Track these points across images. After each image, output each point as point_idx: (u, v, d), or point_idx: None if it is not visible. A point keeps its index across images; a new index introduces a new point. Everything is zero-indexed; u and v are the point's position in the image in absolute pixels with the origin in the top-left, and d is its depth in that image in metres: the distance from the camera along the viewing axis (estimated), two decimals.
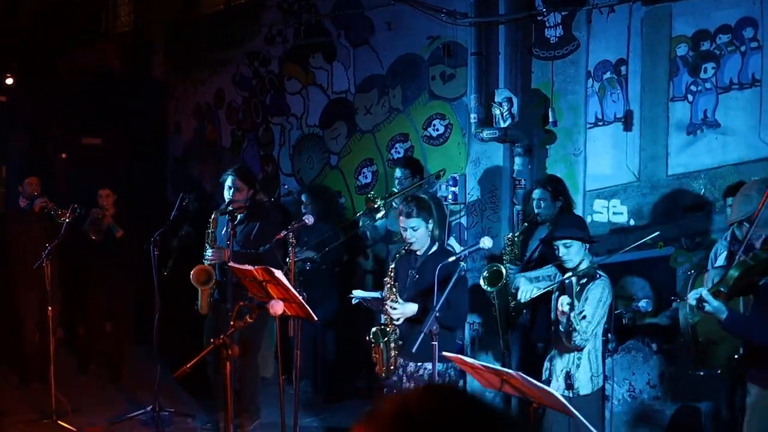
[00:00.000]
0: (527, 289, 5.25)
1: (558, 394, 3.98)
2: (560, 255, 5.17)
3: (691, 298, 4.41)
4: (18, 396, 8.33)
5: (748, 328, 4.53)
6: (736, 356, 5.27)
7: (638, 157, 6.94)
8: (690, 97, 6.64)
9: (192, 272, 6.83)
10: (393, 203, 7.18)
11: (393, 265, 5.40)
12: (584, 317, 4.86)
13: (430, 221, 5.37)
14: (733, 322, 4.41)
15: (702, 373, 5.60)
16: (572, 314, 4.84)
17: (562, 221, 5.48)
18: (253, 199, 7.16)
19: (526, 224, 6.88)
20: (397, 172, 7.62)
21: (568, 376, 5.09)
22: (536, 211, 6.76)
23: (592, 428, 4.18)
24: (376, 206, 6.95)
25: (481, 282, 6.49)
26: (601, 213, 7.16)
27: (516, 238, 6.79)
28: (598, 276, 5.04)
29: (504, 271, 6.46)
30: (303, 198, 8.40)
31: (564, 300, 4.92)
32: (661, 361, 6.75)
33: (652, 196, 6.87)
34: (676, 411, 6.56)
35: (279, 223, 7.31)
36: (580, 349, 5.02)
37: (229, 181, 6.91)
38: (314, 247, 8.10)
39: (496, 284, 6.43)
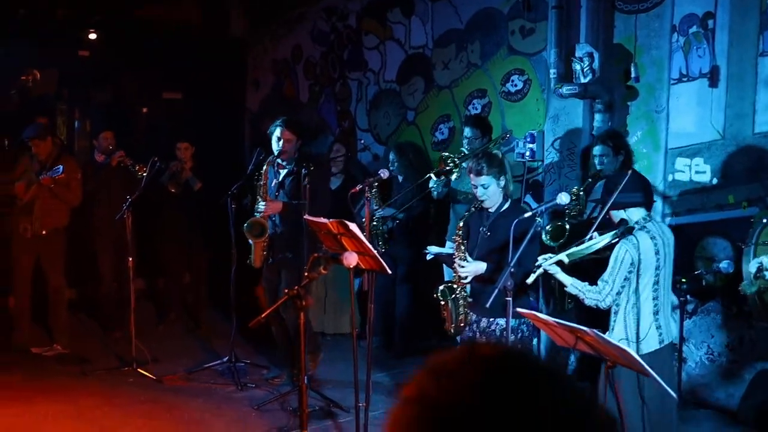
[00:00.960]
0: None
1: (633, 352, 3.90)
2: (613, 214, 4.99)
3: (752, 265, 4.23)
4: (99, 344, 8.57)
5: None
6: None
7: (723, 114, 6.72)
8: None
9: (246, 225, 6.90)
10: (464, 165, 7.10)
11: (462, 223, 5.35)
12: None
13: (502, 178, 5.29)
14: None
15: (765, 325, 5.43)
16: (536, 271, 4.68)
17: (607, 182, 5.15)
18: (301, 150, 7.12)
19: (589, 179, 6.74)
20: (466, 132, 7.49)
21: None
22: (598, 167, 6.64)
23: (668, 388, 4.11)
24: (448, 168, 6.88)
25: (544, 237, 6.41)
26: (683, 172, 6.97)
27: (581, 193, 6.66)
28: (626, 236, 4.76)
29: (567, 227, 6.38)
30: (390, 156, 8.36)
31: (541, 258, 4.74)
32: (741, 323, 6.58)
33: (737, 155, 6.66)
34: (755, 375, 6.40)
35: (328, 175, 7.38)
36: (603, 311, 4.84)
37: (278, 132, 6.89)
38: (398, 205, 8.07)
39: (559, 240, 6.36)
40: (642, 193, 4.94)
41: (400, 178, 7.14)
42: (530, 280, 4.77)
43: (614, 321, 4.83)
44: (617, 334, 4.79)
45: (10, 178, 8.27)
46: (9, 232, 8.37)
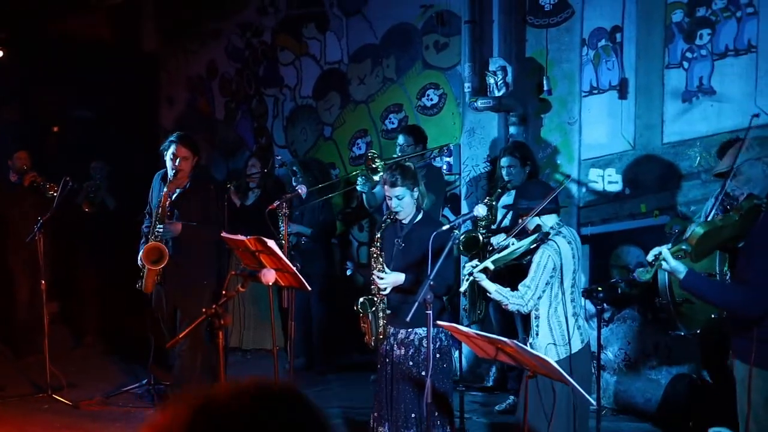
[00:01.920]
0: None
1: (553, 362, 3.94)
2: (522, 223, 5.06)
3: (650, 254, 4.34)
4: (12, 370, 8.31)
5: (708, 290, 4.40)
6: (713, 315, 5.21)
7: (633, 125, 6.89)
8: (685, 64, 6.58)
9: (143, 250, 6.51)
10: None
11: (379, 235, 5.36)
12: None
13: (416, 190, 5.31)
14: (692, 283, 4.31)
15: (682, 334, 5.56)
16: (464, 277, 4.74)
17: (522, 192, 5.16)
18: (197, 167, 6.86)
19: (499, 190, 6.83)
20: (400, 139, 7.43)
21: (528, 346, 4.89)
22: (506, 177, 6.74)
23: (586, 395, 4.17)
24: (374, 166, 6.82)
25: (455, 248, 6.47)
26: (597, 182, 7.12)
27: (492, 204, 6.74)
28: (545, 241, 4.80)
29: (480, 237, 6.45)
30: (294, 169, 8.32)
31: (468, 265, 4.80)
32: (657, 330, 6.73)
33: (648, 165, 6.82)
34: (671, 379, 6.55)
35: (223, 194, 7.31)
36: (529, 316, 4.88)
37: (173, 149, 6.56)
38: (307, 222, 8.07)
39: (472, 250, 6.43)
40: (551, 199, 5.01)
41: (304, 195, 7.10)
42: (463, 288, 4.81)
43: (537, 326, 4.86)
44: (543, 339, 4.83)
45: None
46: None
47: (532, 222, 4.89)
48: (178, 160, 6.52)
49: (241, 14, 10.38)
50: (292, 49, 9.79)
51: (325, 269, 8.33)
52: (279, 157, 9.51)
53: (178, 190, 6.66)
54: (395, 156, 7.24)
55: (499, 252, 4.77)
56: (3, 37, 10.44)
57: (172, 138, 6.68)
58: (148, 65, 11.67)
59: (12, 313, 8.81)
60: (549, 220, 4.92)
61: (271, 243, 5.00)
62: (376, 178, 6.83)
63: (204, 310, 4.17)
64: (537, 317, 4.86)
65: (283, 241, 6.45)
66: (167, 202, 6.51)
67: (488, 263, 4.69)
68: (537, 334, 4.85)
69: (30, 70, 10.46)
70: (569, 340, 4.82)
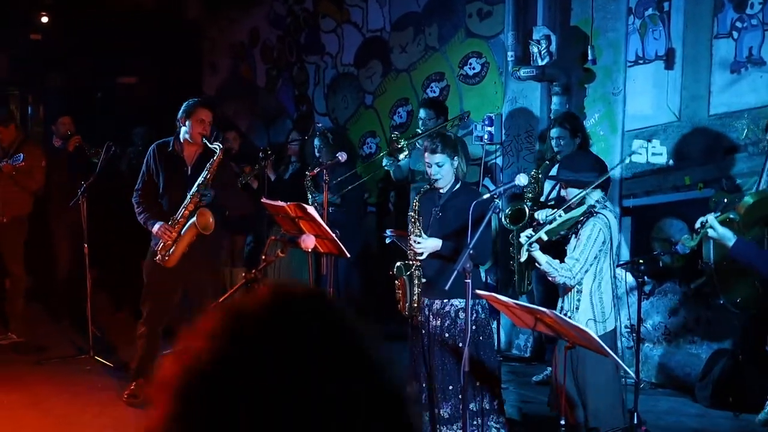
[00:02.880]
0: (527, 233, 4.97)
1: (592, 333, 3.92)
2: (562, 194, 5.01)
3: (698, 222, 4.29)
4: (55, 332, 8.45)
5: (757, 259, 4.33)
6: (756, 285, 5.13)
7: (679, 96, 6.77)
8: (735, 34, 6.44)
9: (206, 217, 6.20)
10: (417, 144, 7.08)
11: (416, 200, 5.35)
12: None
13: (456, 158, 5.28)
14: (741, 251, 4.25)
15: (721, 302, 5.49)
16: (524, 246, 4.67)
17: (565, 161, 5.18)
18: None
19: (547, 162, 6.76)
20: (421, 113, 7.43)
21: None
22: (555, 149, 6.66)
23: (625, 367, 4.14)
24: (399, 146, 6.83)
25: (503, 220, 6.44)
26: (640, 154, 6.99)
27: (539, 176, 6.69)
28: (594, 214, 4.76)
29: (526, 209, 6.41)
30: (316, 143, 8.23)
31: (522, 234, 4.74)
32: (698, 303, 6.66)
33: (693, 137, 6.72)
34: (711, 354, 6.49)
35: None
36: (569, 289, 4.82)
37: (202, 114, 6.31)
38: (332, 189, 8.01)
39: (518, 223, 6.39)
40: (599, 173, 4.95)
41: (343, 158, 7.07)
42: (523, 258, 4.76)
43: (579, 300, 4.81)
44: (584, 314, 4.78)
45: None
46: None
47: (575, 193, 4.83)
48: (205, 125, 6.32)
49: None
50: (334, 17, 9.75)
51: (356, 238, 8.31)
52: (320, 125, 9.50)
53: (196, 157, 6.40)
54: (418, 131, 7.22)
55: (550, 223, 4.73)
56: (48, 3, 10.53)
57: (194, 102, 6.40)
58: (191, 32, 11.71)
59: (54, 277, 8.93)
60: (595, 194, 4.85)
61: (311, 209, 5.01)
62: (402, 156, 6.84)
63: (243, 274, 4.19)
64: (579, 291, 4.80)
65: (324, 207, 6.45)
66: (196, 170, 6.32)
67: (542, 234, 4.65)
68: (577, 309, 4.80)
69: (74, 37, 10.54)
70: (606, 317, 4.78)
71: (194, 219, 6.15)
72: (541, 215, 4.92)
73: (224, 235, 6.82)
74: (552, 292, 6.74)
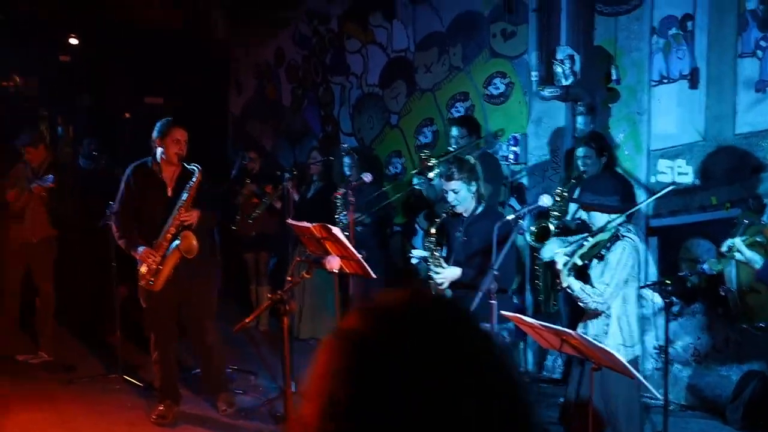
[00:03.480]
0: (551, 248, 5.00)
1: (618, 355, 3.92)
2: (583, 217, 5.00)
3: (724, 245, 4.28)
4: (84, 351, 8.52)
5: None
6: None
7: (704, 115, 6.75)
8: (759, 53, 6.42)
9: (189, 240, 6.18)
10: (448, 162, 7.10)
11: (433, 230, 5.36)
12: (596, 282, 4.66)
13: (473, 183, 5.29)
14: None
15: (744, 326, 5.45)
16: (563, 271, 4.67)
17: (587, 184, 5.15)
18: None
19: (573, 181, 6.76)
20: (453, 131, 7.47)
21: None
22: (581, 168, 6.66)
23: (653, 389, 4.13)
24: (430, 165, 6.85)
25: (528, 237, 6.43)
26: (666, 173, 7.00)
27: (565, 194, 6.69)
28: (621, 237, 4.75)
29: (551, 227, 6.40)
30: (347, 160, 8.30)
31: (559, 258, 4.72)
32: (727, 324, 6.61)
33: (719, 156, 6.69)
34: (742, 375, 6.44)
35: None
36: (599, 314, 4.79)
37: (176, 133, 6.28)
38: (361, 209, 8.03)
39: (544, 241, 6.38)
40: (621, 197, 4.94)
41: (368, 179, 7.07)
42: (566, 284, 4.71)
43: (607, 325, 4.78)
44: (613, 338, 4.75)
45: (2, 184, 8.25)
46: (0, 239, 8.34)
47: (599, 217, 4.82)
48: (181, 144, 6.29)
49: (308, 2, 10.45)
50: (359, 37, 9.82)
51: (381, 257, 8.34)
52: (345, 145, 9.55)
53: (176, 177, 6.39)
54: (450, 149, 7.24)
55: (580, 248, 4.73)
56: (77, 26, 10.68)
57: (167, 122, 6.36)
58: (217, 53, 11.83)
59: (83, 296, 9.02)
60: (617, 217, 4.85)
61: (336, 230, 5.05)
62: (432, 175, 6.87)
63: (269, 296, 4.23)
64: (608, 315, 4.78)
65: (350, 227, 6.49)
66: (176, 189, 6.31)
67: (576, 259, 4.66)
68: (606, 333, 4.77)
69: (103, 59, 10.68)
70: (635, 341, 4.78)
71: (177, 242, 6.18)
72: (548, 250, 4.89)
73: (216, 251, 6.85)
74: (579, 313, 6.74)
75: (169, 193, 6.30)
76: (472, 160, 5.50)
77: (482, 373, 1.19)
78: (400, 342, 1.18)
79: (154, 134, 6.35)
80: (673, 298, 6.22)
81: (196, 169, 6.22)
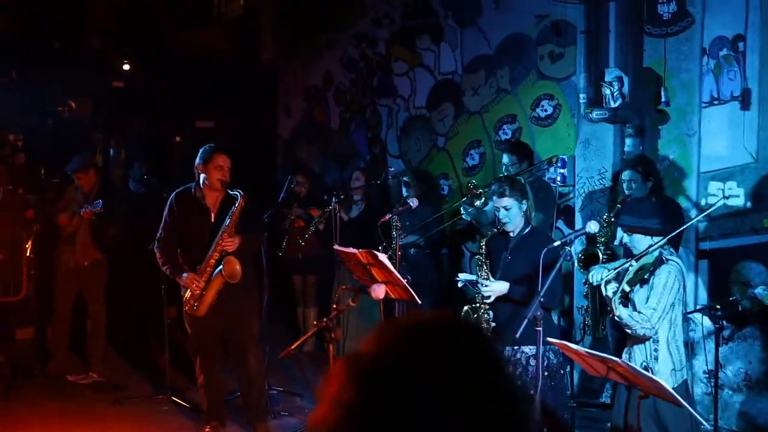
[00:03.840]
0: (599, 273, 4.93)
1: (664, 383, 3.86)
2: (625, 241, 4.93)
3: None
4: (134, 372, 8.63)
5: None
6: None
7: (756, 137, 6.65)
8: None
9: (232, 265, 6.24)
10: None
11: (484, 243, 5.38)
12: (640, 307, 4.59)
13: (524, 202, 5.30)
14: None
15: None
16: (614, 300, 4.59)
17: (628, 207, 5.10)
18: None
19: (618, 205, 6.69)
20: (504, 159, 7.42)
21: (647, 370, 4.60)
22: (627, 192, 6.57)
23: (698, 416, 4.06)
24: (477, 193, 6.84)
25: (576, 264, 6.37)
26: (716, 196, 6.90)
27: (612, 219, 6.62)
28: (666, 261, 4.69)
29: (599, 254, 6.33)
30: (406, 179, 8.33)
31: (609, 287, 4.66)
32: None
33: None
34: None
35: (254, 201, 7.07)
36: (645, 339, 4.71)
37: (219, 160, 6.37)
38: (417, 231, 8.02)
39: (590, 266, 6.32)
40: (662, 219, 4.87)
41: (414, 204, 7.05)
42: (618, 312, 4.62)
43: (656, 350, 4.73)
44: (664, 364, 4.70)
45: (56, 208, 8.43)
46: (53, 262, 8.51)
47: (641, 240, 4.76)
48: (224, 171, 6.37)
49: (356, 25, 10.52)
50: (406, 60, 9.86)
51: (435, 280, 8.32)
52: (392, 169, 9.57)
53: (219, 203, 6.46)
54: (501, 176, 7.20)
55: (626, 273, 4.69)
56: (129, 51, 10.88)
57: (210, 148, 6.46)
58: (266, 76, 11.96)
59: (132, 317, 9.15)
60: (644, 242, 4.79)
61: (383, 257, 5.06)
62: (478, 203, 6.85)
63: (315, 323, 4.25)
64: (656, 341, 4.72)
65: (396, 253, 6.49)
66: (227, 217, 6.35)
67: (624, 286, 4.63)
68: (656, 359, 4.72)
69: (154, 83, 10.85)
70: (683, 365, 4.71)
71: (221, 268, 6.24)
72: (596, 274, 4.84)
73: (258, 274, 6.91)
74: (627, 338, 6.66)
75: (213, 219, 6.38)
76: (522, 180, 5.50)
77: (487, 395, 1.24)
78: (415, 361, 1.23)
79: (197, 161, 6.45)
80: (724, 323, 6.12)
81: (238, 194, 6.27)
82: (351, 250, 5.35)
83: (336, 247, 5.88)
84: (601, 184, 7.62)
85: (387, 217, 6.46)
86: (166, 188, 8.38)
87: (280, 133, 12.00)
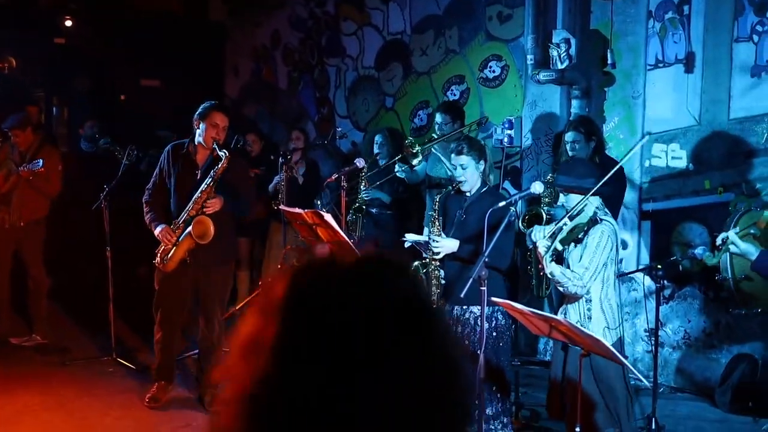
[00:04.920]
0: (539, 232, 4.89)
1: (605, 341, 3.93)
2: (561, 201, 4.99)
3: (718, 239, 4.31)
4: (78, 334, 8.54)
5: None
6: None
7: (699, 100, 6.75)
8: (755, 38, 6.41)
9: (203, 226, 6.12)
10: (432, 149, 7.06)
11: (437, 199, 5.41)
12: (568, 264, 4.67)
13: (481, 162, 5.31)
14: (763, 264, 4.27)
15: (743, 312, 5.48)
16: (545, 257, 4.65)
17: (564, 167, 5.11)
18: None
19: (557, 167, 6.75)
20: (437, 117, 7.37)
21: None
22: (570, 153, 6.62)
23: (638, 374, 4.14)
24: (413, 152, 6.82)
25: (519, 224, 6.43)
26: (660, 157, 7.01)
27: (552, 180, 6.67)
28: (599, 221, 4.73)
29: (543, 213, 6.40)
30: (378, 139, 8.20)
31: (540, 244, 4.73)
32: (718, 308, 6.64)
33: (713, 141, 6.69)
34: (731, 358, 6.47)
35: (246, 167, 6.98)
36: (578, 298, 4.78)
37: (216, 118, 6.28)
38: (387, 191, 7.90)
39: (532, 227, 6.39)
40: (597, 179, 4.91)
41: (382, 163, 7.01)
42: (548, 270, 4.71)
43: (590, 309, 4.79)
44: (597, 323, 4.76)
45: None
46: None
47: (576, 199, 4.80)
48: (219, 130, 6.27)
49: None
50: (355, 20, 9.79)
51: (395, 240, 8.29)
52: (339, 129, 9.53)
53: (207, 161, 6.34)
54: (434, 136, 7.21)
55: (560, 231, 4.73)
56: (73, 8, 10.65)
57: (210, 105, 6.36)
58: (214, 35, 11.79)
59: (77, 279, 9.02)
60: (594, 201, 4.84)
61: (328, 216, 5.05)
62: (415, 162, 6.85)
63: (261, 283, 4.24)
64: (588, 300, 4.78)
65: (342, 212, 6.48)
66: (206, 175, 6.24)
67: (557, 244, 4.66)
68: (589, 318, 4.78)
69: (98, 41, 10.64)
70: (620, 323, 4.79)
71: (190, 228, 6.15)
72: (536, 233, 4.87)
73: (237, 239, 6.82)
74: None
75: (199, 175, 6.27)
76: (482, 141, 5.52)
77: (411, 331, 1.19)
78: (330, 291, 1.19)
79: (195, 115, 6.32)
80: (665, 282, 6.25)
81: (224, 155, 6.15)
82: (297, 210, 5.34)
83: (282, 207, 5.86)
84: (547, 145, 7.68)
85: (334, 177, 6.44)
86: (118, 147, 8.28)
87: (228, 93, 11.88)
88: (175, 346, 6.67)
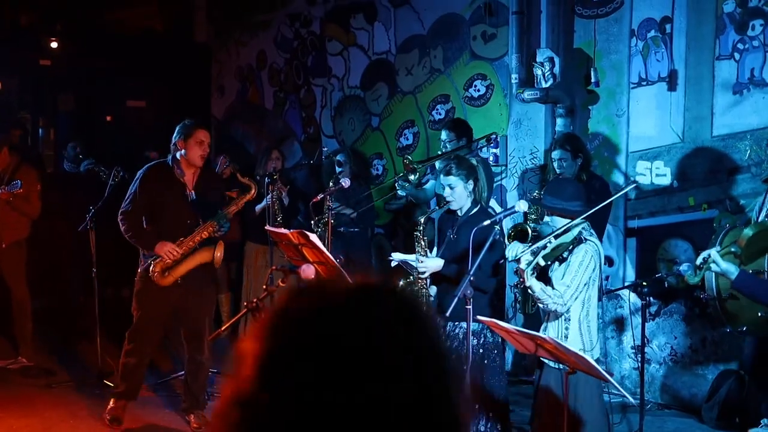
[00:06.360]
0: (516, 248, 4.89)
1: (591, 360, 3.94)
2: (546, 220, 5.00)
3: (699, 257, 4.33)
4: (64, 356, 8.49)
5: (758, 289, 4.39)
6: (759, 314, 5.13)
7: (682, 117, 6.80)
8: (737, 56, 6.48)
9: (221, 251, 6.25)
10: (436, 165, 7.09)
11: (422, 219, 5.41)
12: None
13: (470, 181, 5.31)
14: (743, 283, 4.31)
15: (728, 331, 5.51)
16: (527, 271, 4.65)
17: (551, 188, 5.11)
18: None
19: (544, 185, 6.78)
20: (443, 135, 7.41)
21: None
22: (558, 170, 6.66)
23: (624, 392, 4.15)
24: (412, 167, 6.84)
25: (506, 241, 6.45)
26: (644, 175, 7.04)
27: (539, 198, 6.70)
28: (584, 240, 4.74)
29: (529, 230, 6.41)
30: (340, 158, 8.25)
31: (523, 258, 4.70)
32: (704, 325, 6.66)
33: (697, 158, 6.74)
34: (718, 375, 6.48)
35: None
36: (558, 316, 4.77)
37: (200, 135, 6.29)
38: (351, 206, 7.95)
39: (522, 242, 6.39)
40: (583, 202, 4.92)
41: (347, 184, 7.02)
42: (528, 283, 4.70)
43: (567, 329, 4.77)
44: (573, 343, 4.71)
45: None
46: None
47: (560, 222, 4.81)
48: (204, 146, 6.28)
49: (290, 5, 10.44)
50: (341, 40, 9.82)
51: (367, 256, 8.31)
52: (326, 149, 9.53)
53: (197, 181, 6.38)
54: (439, 152, 7.24)
55: (544, 249, 4.74)
56: (58, 29, 10.65)
57: (190, 124, 6.33)
58: (199, 55, 11.81)
59: (64, 301, 8.98)
60: (579, 220, 4.85)
61: (314, 237, 5.05)
62: (412, 178, 6.86)
63: (245, 303, 4.23)
64: (567, 319, 4.76)
65: (328, 230, 6.47)
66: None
67: (539, 260, 4.66)
68: (566, 337, 4.73)
69: (84, 61, 10.65)
70: (593, 346, 4.77)
71: (216, 250, 6.18)
72: (513, 250, 4.87)
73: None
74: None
75: (191, 195, 6.28)
76: (474, 162, 5.51)
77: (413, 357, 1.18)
78: (323, 319, 1.17)
79: (176, 136, 6.29)
80: (650, 299, 6.26)
81: (252, 186, 6.28)
82: (283, 230, 5.34)
83: (268, 227, 5.86)
84: (532, 163, 7.72)
85: (318, 197, 6.44)
86: (102, 168, 8.26)
87: (214, 113, 11.87)
88: (144, 369, 6.70)
